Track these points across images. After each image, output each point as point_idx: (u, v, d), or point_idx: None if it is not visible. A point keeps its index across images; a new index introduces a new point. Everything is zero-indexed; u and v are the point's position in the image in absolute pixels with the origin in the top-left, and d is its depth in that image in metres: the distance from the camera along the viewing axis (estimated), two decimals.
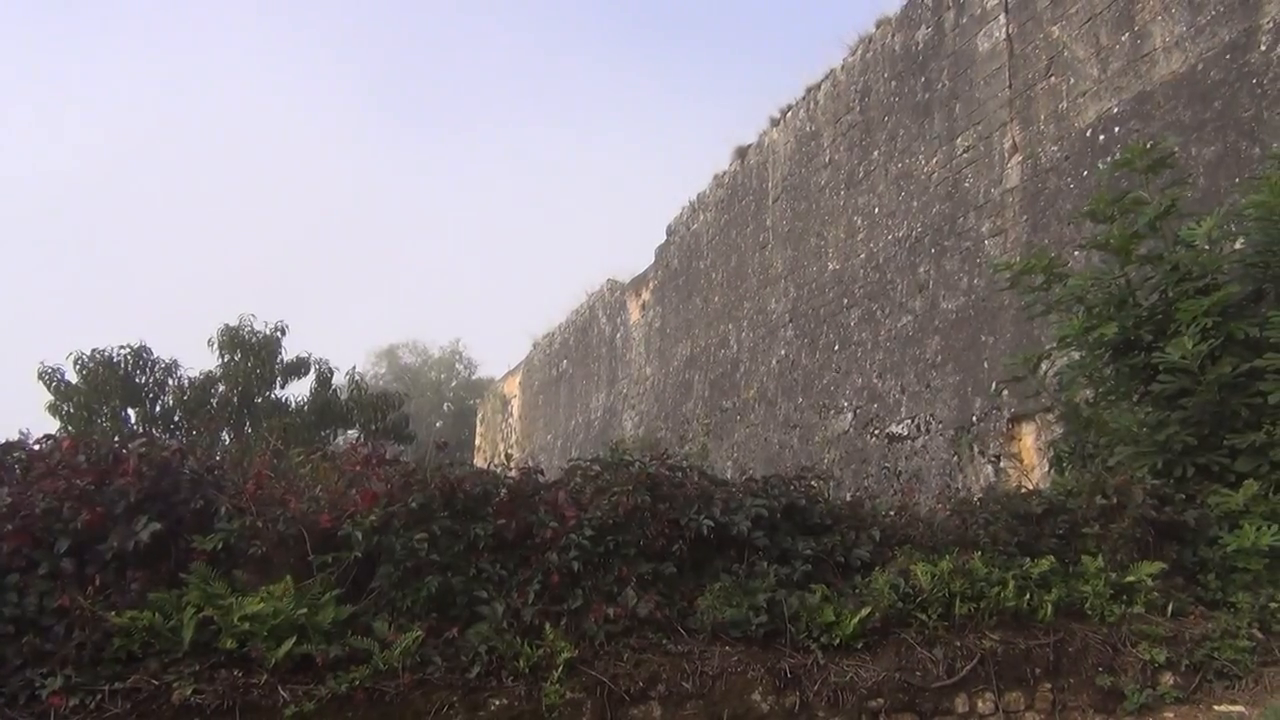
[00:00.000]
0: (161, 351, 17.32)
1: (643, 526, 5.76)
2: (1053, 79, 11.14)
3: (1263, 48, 8.80)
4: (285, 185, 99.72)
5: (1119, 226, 7.66)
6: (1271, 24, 8.74)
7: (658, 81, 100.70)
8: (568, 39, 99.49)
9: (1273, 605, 6.07)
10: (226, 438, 16.08)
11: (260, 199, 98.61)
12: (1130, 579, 6.11)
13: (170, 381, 16.82)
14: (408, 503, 5.46)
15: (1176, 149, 8.76)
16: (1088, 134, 10.59)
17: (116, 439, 6.01)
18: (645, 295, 23.17)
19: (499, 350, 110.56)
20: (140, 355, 16.49)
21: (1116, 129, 10.21)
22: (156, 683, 4.60)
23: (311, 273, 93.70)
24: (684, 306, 20.91)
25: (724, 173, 19.64)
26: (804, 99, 16.77)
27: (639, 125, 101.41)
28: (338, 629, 5.03)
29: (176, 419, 16.63)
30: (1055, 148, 11.01)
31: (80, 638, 4.69)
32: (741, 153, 19.00)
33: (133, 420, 16.40)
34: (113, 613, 4.78)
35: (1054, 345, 8.36)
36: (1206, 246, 7.37)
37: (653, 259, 22.85)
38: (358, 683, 4.80)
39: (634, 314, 23.82)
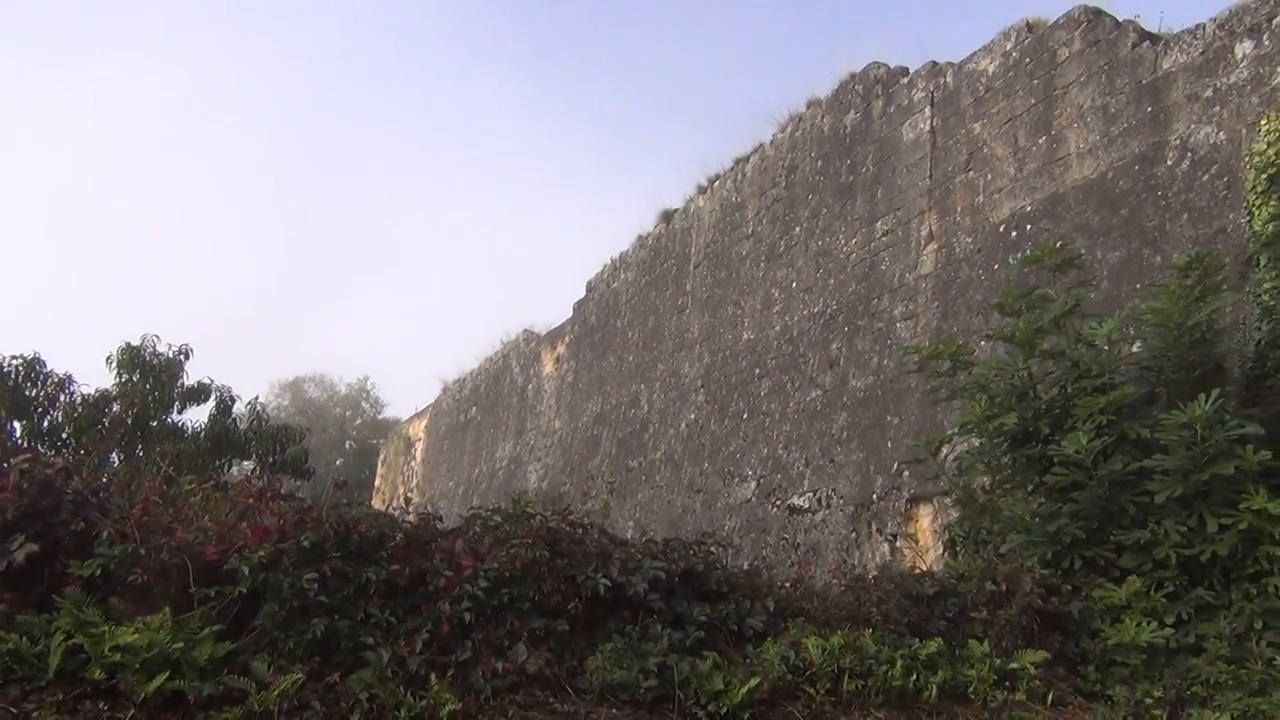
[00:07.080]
0: (56, 365, 16.69)
1: (539, 581, 5.70)
2: (971, 173, 11.52)
3: (1169, 162, 9.22)
4: (208, 207, 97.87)
5: (1025, 321, 7.92)
6: (1179, 140, 9.17)
7: (587, 138, 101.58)
8: (503, 89, 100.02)
9: (1148, 701, 6.21)
10: (116, 459, 15.51)
11: (179, 218, 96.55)
12: (1014, 666, 6.23)
13: (62, 397, 16.18)
14: (300, 540, 5.33)
15: (1084, 251, 9.12)
16: (1000, 229, 10.94)
17: None
18: (560, 349, 23.14)
19: (407, 391, 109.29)
20: (33, 367, 15.86)
21: (1028, 227, 10.57)
22: (15, 711, 4.39)
23: (221, 300, 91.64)
24: (598, 363, 20.93)
25: (648, 234, 19.81)
26: (732, 170, 17.07)
27: (565, 179, 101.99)
28: (214, 666, 4.86)
29: (65, 436, 15.99)
30: (969, 239, 11.35)
31: None
32: (667, 216, 19.21)
33: (18, 434, 15.74)
34: None
35: (956, 431, 8.56)
36: (1106, 347, 7.66)
37: (571, 313, 22.87)
38: None
39: (548, 366, 23.75)
